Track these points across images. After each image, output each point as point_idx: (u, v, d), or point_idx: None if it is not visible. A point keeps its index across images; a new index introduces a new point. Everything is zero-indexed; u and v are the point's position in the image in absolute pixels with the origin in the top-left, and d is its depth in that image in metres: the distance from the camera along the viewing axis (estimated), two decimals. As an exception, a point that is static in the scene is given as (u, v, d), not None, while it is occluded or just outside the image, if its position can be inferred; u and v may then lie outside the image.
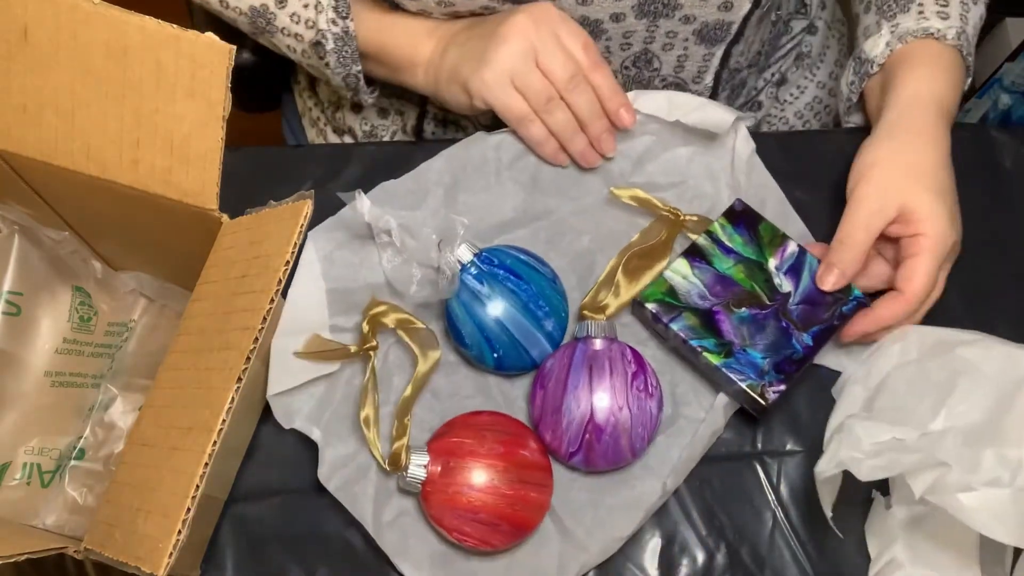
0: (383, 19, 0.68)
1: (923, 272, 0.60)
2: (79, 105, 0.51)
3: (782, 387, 0.59)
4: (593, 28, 0.68)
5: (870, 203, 0.61)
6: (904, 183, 0.61)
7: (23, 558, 0.42)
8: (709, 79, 0.74)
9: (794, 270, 0.62)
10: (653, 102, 0.66)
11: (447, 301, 0.61)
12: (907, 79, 0.65)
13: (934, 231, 0.60)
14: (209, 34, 0.48)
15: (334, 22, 0.65)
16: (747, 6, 0.67)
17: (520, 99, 0.64)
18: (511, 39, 0.63)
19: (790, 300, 0.61)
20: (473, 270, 0.61)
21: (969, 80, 0.68)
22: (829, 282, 0.61)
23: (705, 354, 0.60)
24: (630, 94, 0.66)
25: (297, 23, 0.66)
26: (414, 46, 0.68)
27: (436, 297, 0.61)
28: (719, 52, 0.71)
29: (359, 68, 0.67)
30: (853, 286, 0.62)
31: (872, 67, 0.67)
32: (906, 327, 0.62)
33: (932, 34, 0.65)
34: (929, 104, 0.64)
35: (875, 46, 0.67)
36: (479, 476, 0.56)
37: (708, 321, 0.61)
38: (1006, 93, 1.26)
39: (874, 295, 0.62)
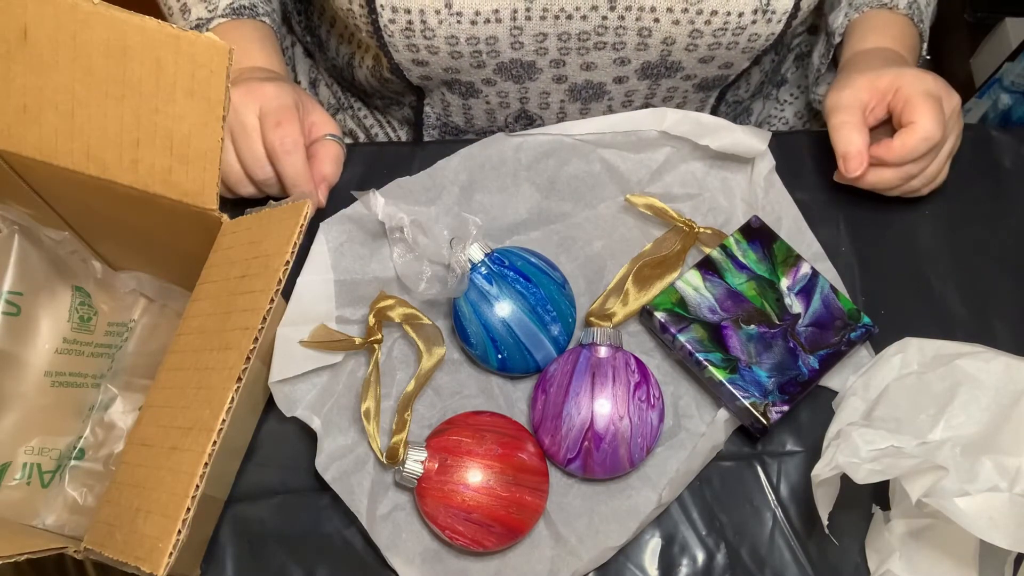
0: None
1: (924, 108, 0.60)
2: (79, 105, 0.51)
3: (785, 408, 0.59)
4: (596, 91, 0.69)
5: (843, 97, 0.63)
6: (864, 76, 0.63)
7: (23, 558, 0.42)
8: (706, 112, 0.75)
9: (805, 292, 0.62)
10: (683, 124, 0.64)
11: (455, 299, 0.61)
12: (857, 41, 0.69)
13: (909, 79, 0.61)
14: (209, 34, 0.48)
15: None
16: (746, 64, 0.68)
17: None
18: None
19: (799, 321, 0.61)
20: (483, 270, 0.61)
21: (925, 46, 0.71)
22: (851, 167, 0.61)
23: (710, 368, 0.60)
24: (658, 111, 0.64)
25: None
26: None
27: (445, 295, 0.61)
28: (715, 93, 0.73)
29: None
30: (863, 313, 0.62)
31: (835, 37, 0.71)
32: (907, 340, 0.62)
33: (884, 3, 0.69)
34: (878, 51, 0.67)
35: (836, 18, 0.72)
36: (475, 476, 0.56)
37: (716, 335, 0.61)
38: (1006, 93, 1.26)
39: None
